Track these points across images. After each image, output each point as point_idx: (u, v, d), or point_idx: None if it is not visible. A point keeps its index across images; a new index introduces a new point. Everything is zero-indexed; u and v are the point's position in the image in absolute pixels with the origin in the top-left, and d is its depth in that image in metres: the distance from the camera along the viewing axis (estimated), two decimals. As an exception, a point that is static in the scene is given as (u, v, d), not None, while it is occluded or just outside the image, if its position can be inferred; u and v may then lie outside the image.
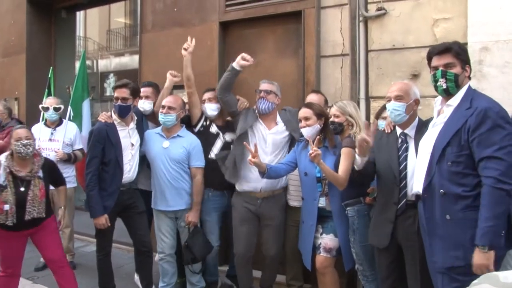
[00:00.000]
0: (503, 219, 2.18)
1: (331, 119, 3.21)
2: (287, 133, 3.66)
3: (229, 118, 4.00)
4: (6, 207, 3.24)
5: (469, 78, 2.49)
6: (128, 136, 3.72)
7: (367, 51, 3.90)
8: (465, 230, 2.26)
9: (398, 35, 3.76)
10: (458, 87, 2.40)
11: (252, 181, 3.58)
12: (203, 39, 4.71)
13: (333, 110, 3.24)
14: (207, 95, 3.96)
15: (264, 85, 3.68)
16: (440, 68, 2.43)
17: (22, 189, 3.31)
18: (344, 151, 3.01)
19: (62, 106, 4.80)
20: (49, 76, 5.30)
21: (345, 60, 3.99)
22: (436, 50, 2.49)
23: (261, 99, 3.63)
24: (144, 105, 4.08)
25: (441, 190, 2.33)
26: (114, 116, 3.69)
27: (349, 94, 3.90)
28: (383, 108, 3.20)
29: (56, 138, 4.67)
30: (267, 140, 3.63)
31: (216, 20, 4.70)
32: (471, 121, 2.26)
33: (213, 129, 3.93)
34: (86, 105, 5.05)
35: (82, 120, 4.99)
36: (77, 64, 5.09)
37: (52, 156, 4.31)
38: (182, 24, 4.95)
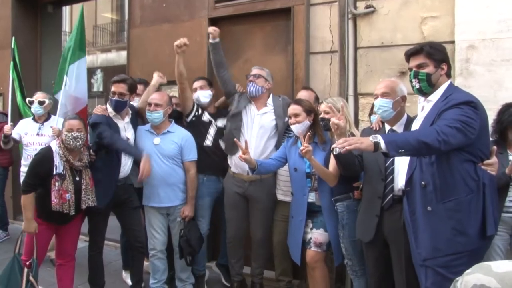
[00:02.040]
0: (410, 147, 2.16)
1: (321, 116, 3.24)
2: (274, 117, 3.74)
3: (220, 104, 4.15)
4: (68, 196, 3.28)
5: (448, 75, 2.51)
6: (123, 129, 3.70)
7: (355, 48, 3.93)
8: (446, 221, 2.32)
9: (387, 32, 3.79)
10: (431, 85, 2.46)
11: (240, 163, 3.61)
12: (192, 35, 4.69)
13: (323, 107, 3.26)
14: (198, 83, 4.03)
15: (254, 70, 3.81)
16: (413, 69, 2.51)
17: (77, 178, 3.36)
18: None
19: (47, 100, 4.73)
20: (13, 47, 5.15)
21: (334, 57, 4.02)
22: (409, 52, 2.56)
23: (250, 83, 3.76)
24: (133, 102, 4.05)
25: (422, 183, 2.38)
26: (110, 109, 3.66)
27: (338, 90, 3.93)
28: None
29: (44, 133, 4.62)
30: (254, 121, 3.73)
31: (205, 16, 4.69)
32: (442, 110, 2.32)
33: (205, 117, 3.99)
34: (83, 64, 4.72)
35: (78, 81, 4.61)
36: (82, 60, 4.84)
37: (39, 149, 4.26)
38: (171, 20, 4.93)
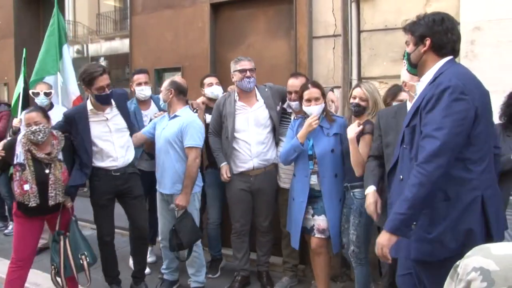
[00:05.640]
0: (418, 208, 1.92)
1: (355, 101, 3.12)
2: (266, 110, 3.68)
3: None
4: (26, 187, 3.13)
5: (434, 49, 2.09)
6: (105, 122, 3.54)
7: (359, 32, 3.88)
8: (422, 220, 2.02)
9: (391, 15, 3.74)
10: (413, 66, 2.17)
11: (245, 162, 3.65)
12: (194, 21, 4.67)
13: (359, 92, 3.12)
14: (213, 79, 4.10)
15: (246, 63, 3.63)
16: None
17: (47, 171, 3.20)
18: (366, 138, 3.02)
19: (53, 91, 4.74)
20: (24, 56, 5.16)
21: (337, 40, 3.96)
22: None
23: (247, 79, 3.60)
24: (145, 91, 4.10)
25: (400, 176, 2.13)
26: (89, 105, 3.51)
27: (342, 75, 3.88)
28: (398, 89, 3.16)
29: None
30: (249, 118, 3.66)
31: (207, 2, 4.63)
32: (426, 98, 1.98)
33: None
34: (66, 51, 4.95)
35: (64, 66, 4.91)
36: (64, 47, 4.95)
37: None
38: (172, 6, 4.88)
